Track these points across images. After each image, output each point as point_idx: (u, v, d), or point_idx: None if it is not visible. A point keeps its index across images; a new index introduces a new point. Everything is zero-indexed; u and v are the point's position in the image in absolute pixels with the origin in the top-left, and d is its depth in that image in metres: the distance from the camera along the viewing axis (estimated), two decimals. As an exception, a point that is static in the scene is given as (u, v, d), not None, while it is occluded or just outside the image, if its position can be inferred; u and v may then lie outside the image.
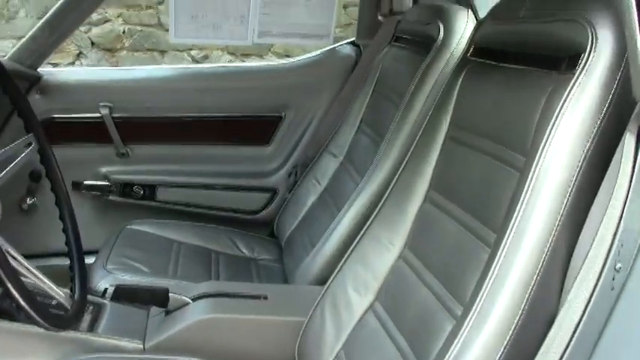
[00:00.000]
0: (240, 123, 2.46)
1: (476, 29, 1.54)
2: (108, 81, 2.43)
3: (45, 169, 1.67)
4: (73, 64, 5.57)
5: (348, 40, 2.49)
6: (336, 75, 2.44)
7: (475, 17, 1.82)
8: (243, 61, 5.58)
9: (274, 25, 2.35)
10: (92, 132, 2.39)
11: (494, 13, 1.47)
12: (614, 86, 1.00)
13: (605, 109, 1.00)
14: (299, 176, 2.38)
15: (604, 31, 1.02)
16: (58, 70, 2.49)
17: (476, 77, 1.43)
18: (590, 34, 1.03)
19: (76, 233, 1.62)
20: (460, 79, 1.47)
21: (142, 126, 2.41)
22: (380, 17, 2.37)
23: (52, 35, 2.23)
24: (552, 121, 1.04)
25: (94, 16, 5.23)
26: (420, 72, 1.79)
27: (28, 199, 2.34)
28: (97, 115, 2.36)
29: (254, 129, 2.47)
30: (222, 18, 2.32)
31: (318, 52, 2.49)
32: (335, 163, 2.19)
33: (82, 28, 5.42)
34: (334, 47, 2.47)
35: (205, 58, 5.62)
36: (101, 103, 2.35)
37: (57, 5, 2.18)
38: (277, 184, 2.49)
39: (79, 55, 5.62)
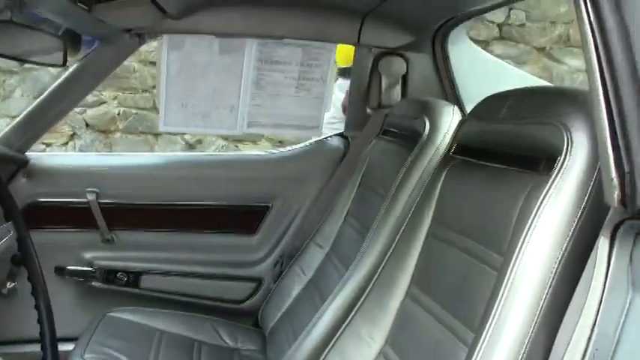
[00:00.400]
0: (227, 212, 2.46)
1: (459, 127, 1.57)
2: (95, 167, 2.45)
3: (22, 257, 1.66)
4: (66, 144, 5.62)
5: (337, 133, 2.53)
6: (324, 166, 2.47)
7: (462, 113, 1.86)
8: (237, 146, 5.65)
9: (264, 115, 2.39)
10: (78, 217, 2.38)
11: (476, 112, 1.51)
12: (590, 189, 1.02)
13: (580, 212, 1.02)
14: (285, 266, 2.36)
15: (579, 134, 1.05)
16: (46, 155, 2.52)
17: (458, 175, 1.45)
18: (565, 137, 1.06)
19: (51, 325, 1.60)
20: (442, 177, 1.49)
21: (128, 212, 2.41)
22: (369, 110, 2.41)
23: (43, 119, 2.26)
24: (530, 221, 1.05)
25: (90, 98, 5.25)
26: (406, 166, 1.81)
27: (9, 284, 2.29)
28: (84, 200, 2.35)
29: (241, 218, 2.48)
30: (212, 107, 2.35)
31: (307, 143, 2.53)
32: (321, 254, 2.18)
33: (77, 109, 5.46)
34: (323, 139, 2.51)
35: (199, 142, 5.68)
36: (88, 189, 2.36)
37: (49, 89, 2.22)
38: (263, 273, 2.47)
39: (73, 135, 5.67)
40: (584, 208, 1.02)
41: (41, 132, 2.30)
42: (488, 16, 5.39)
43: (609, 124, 0.85)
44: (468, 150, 1.46)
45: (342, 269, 1.90)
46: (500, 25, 5.66)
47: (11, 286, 2.30)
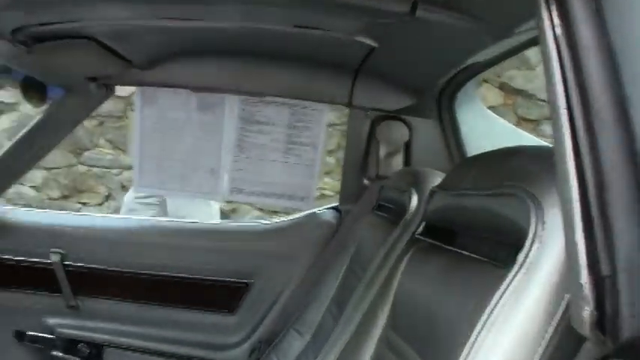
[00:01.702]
0: (203, 286, 2.19)
1: (428, 201, 1.28)
2: (63, 226, 2.24)
3: None
4: (101, 204, 5.55)
5: (330, 206, 2.25)
6: (313, 242, 2.18)
7: None
8: (271, 218, 5.43)
9: (248, 182, 2.14)
10: (41, 279, 2.18)
11: (444, 182, 1.23)
12: (562, 302, 0.71)
13: (552, 329, 0.71)
14: (262, 353, 2.08)
15: (554, 211, 0.73)
16: (11, 209, 2.33)
17: (418, 262, 1.17)
18: (533, 214, 0.76)
19: None
20: (403, 264, 1.20)
21: (95, 278, 2.19)
22: (366, 181, 2.13)
23: (6, 172, 2.10)
24: (480, 333, 0.75)
25: (128, 160, 5.18)
26: (387, 246, 1.53)
27: None
28: (48, 261, 2.15)
29: (219, 295, 2.20)
30: (190, 169, 2.12)
31: (297, 215, 2.26)
32: (300, 342, 1.93)
33: (114, 171, 5.41)
34: (314, 212, 2.23)
35: (233, 211, 5.51)
36: (53, 249, 2.15)
37: (13, 141, 2.06)
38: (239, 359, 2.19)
39: (109, 197, 5.59)
40: (557, 325, 0.71)
41: (5, 185, 2.16)
42: (541, 94, 5.07)
43: (580, 193, 0.55)
44: (434, 230, 1.17)
45: (316, 360, 1.65)
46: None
47: None
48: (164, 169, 2.13)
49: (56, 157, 5.39)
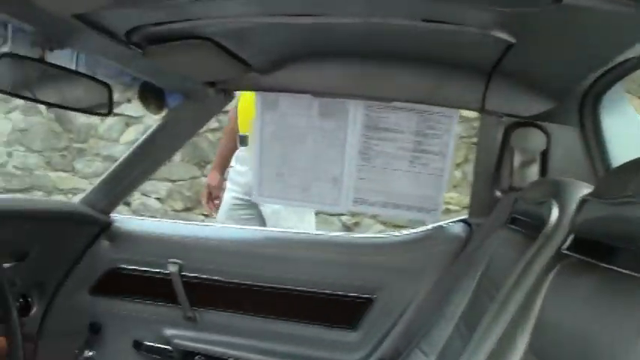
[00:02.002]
0: (324, 301, 2.10)
1: (577, 211, 1.13)
2: (179, 236, 2.22)
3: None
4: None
5: (459, 218, 2.10)
6: (440, 257, 2.04)
7: None
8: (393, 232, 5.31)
9: (372, 192, 2.04)
10: (159, 289, 2.17)
11: (598, 189, 1.07)
12: None
13: None
14: (384, 373, 1.97)
15: None
16: (130, 218, 2.33)
17: (566, 281, 1.02)
18: None
19: None
20: (547, 284, 1.06)
21: (213, 289, 2.15)
22: (498, 193, 1.97)
23: (126, 179, 2.12)
24: None
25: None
26: (523, 263, 1.38)
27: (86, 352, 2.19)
28: (166, 271, 2.14)
29: (339, 310, 2.10)
30: (311, 179, 2.04)
31: (423, 228, 2.12)
32: None
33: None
34: (442, 224, 2.09)
35: (356, 225, 5.43)
36: (170, 260, 2.13)
37: (132, 148, 2.07)
38: None
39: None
40: None
41: (124, 193, 2.17)
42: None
43: None
44: (584, 244, 1.02)
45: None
46: None
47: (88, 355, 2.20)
48: (284, 179, 2.06)
49: (180, 169, 5.51)
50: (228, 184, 3.44)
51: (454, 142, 1.97)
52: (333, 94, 1.94)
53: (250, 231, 2.37)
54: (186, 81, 1.83)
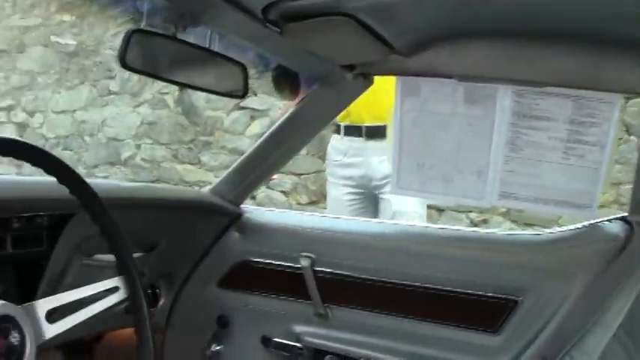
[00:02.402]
0: (465, 302, 1.96)
1: None
2: (312, 229, 2.14)
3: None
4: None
5: (618, 216, 1.90)
6: (595, 258, 1.85)
7: None
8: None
9: (520, 185, 1.89)
10: (289, 284, 2.11)
11: None
12: None
13: None
14: (531, 382, 1.81)
15: None
16: (260, 210, 2.28)
17: None
18: None
19: None
20: None
21: (346, 285, 2.06)
22: (666, 188, 1.78)
23: (258, 169, 2.07)
24: None
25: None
26: None
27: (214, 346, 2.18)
28: (297, 265, 2.07)
29: (481, 312, 1.95)
30: (454, 171, 1.92)
31: (576, 226, 1.94)
32: None
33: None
34: (598, 222, 1.90)
35: (484, 222, 5.23)
36: (303, 253, 2.07)
37: (263, 137, 2.01)
38: None
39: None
40: None
41: (256, 183, 2.13)
42: None
43: None
44: None
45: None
46: None
47: (216, 349, 2.19)
48: (425, 170, 1.94)
49: (305, 162, 5.50)
50: (331, 179, 3.36)
51: (617, 131, 1.78)
52: (479, 79, 1.80)
53: (388, 225, 2.26)
54: (324, 64, 1.75)
